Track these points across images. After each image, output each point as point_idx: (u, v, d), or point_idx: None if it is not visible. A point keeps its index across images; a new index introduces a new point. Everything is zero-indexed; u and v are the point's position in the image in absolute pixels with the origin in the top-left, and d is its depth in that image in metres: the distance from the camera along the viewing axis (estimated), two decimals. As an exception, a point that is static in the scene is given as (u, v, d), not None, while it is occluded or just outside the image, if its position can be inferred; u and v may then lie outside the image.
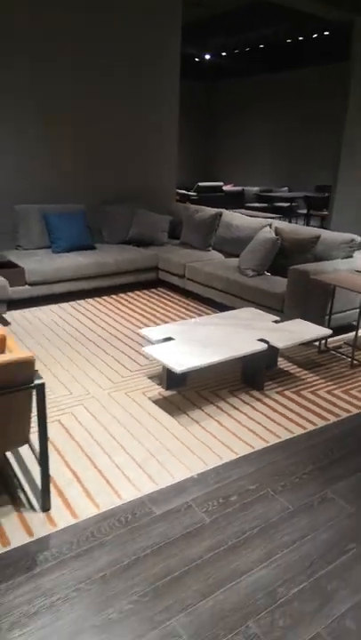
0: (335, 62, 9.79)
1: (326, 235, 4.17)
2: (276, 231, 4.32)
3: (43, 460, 1.90)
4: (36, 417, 2.04)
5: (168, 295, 4.93)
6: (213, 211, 5.07)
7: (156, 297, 4.87)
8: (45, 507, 1.95)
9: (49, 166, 5.11)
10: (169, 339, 2.92)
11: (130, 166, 5.68)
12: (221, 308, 4.48)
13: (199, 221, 5.09)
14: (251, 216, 5.52)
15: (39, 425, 1.85)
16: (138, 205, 5.53)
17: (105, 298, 4.80)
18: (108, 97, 5.28)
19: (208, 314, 4.36)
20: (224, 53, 9.48)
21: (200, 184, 9.82)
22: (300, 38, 8.27)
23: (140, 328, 3.96)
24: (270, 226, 4.52)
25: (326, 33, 8.11)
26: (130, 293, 4.97)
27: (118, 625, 1.52)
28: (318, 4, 6.32)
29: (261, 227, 4.67)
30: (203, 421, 2.64)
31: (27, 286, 4.31)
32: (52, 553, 1.78)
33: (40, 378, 1.80)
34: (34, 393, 1.89)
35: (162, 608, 1.58)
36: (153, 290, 5.10)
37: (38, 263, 4.37)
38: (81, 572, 1.70)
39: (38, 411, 1.83)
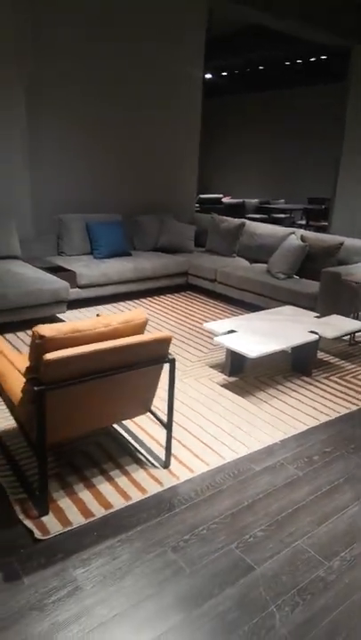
0: (331, 82, 10.48)
1: (347, 242, 4.67)
2: (302, 238, 4.81)
3: (169, 424, 2.28)
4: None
5: (198, 297, 5.35)
6: (238, 221, 5.54)
7: (188, 299, 5.28)
8: (167, 464, 2.33)
9: (88, 180, 5.51)
10: (231, 331, 3.33)
11: (157, 180, 6.11)
12: (253, 308, 4.91)
13: (225, 230, 5.55)
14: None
15: (169, 394, 2.23)
16: (165, 216, 5.96)
17: (142, 300, 5.19)
18: (139, 118, 5.72)
19: (241, 313, 4.79)
20: (225, 73, 10.06)
21: (201, 196, 10.32)
22: (299, 61, 8.89)
23: (185, 326, 4.36)
24: (295, 233, 5.00)
25: (324, 57, 8.76)
26: (163, 296, 5.37)
27: (257, 546, 1.91)
28: (322, 34, 6.93)
29: (284, 235, 5.14)
30: (270, 401, 3.05)
31: (77, 289, 4.67)
32: (184, 497, 2.15)
33: (171, 354, 2.19)
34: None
35: (287, 534, 1.98)
36: (183, 293, 5.51)
37: (86, 268, 4.73)
38: (212, 510, 2.09)
39: (170, 382, 2.21)
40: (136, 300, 5.15)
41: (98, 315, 2.70)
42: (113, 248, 5.21)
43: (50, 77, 4.99)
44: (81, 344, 1.94)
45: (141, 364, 2.08)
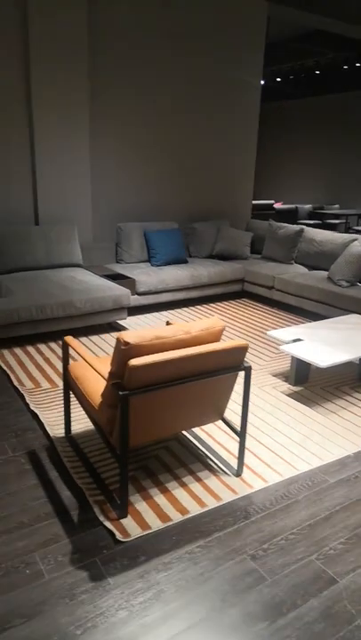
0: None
1: None
2: (364, 246, 4.70)
3: (242, 432, 2.28)
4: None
5: (255, 305, 5.33)
6: (296, 227, 5.48)
7: (245, 306, 5.26)
8: (239, 472, 2.33)
9: (145, 188, 5.63)
10: (297, 340, 3.30)
11: (213, 188, 6.16)
12: (312, 316, 4.85)
13: (283, 237, 5.51)
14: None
15: (243, 402, 2.24)
16: (221, 223, 5.99)
17: (198, 307, 5.22)
18: (195, 126, 5.79)
19: (300, 321, 4.73)
20: (279, 79, 10.02)
21: (253, 202, 10.29)
22: (358, 64, 8.73)
23: (244, 333, 4.35)
24: (358, 240, 4.90)
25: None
26: (219, 303, 5.38)
27: (338, 558, 1.88)
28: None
29: (346, 242, 5.04)
30: (338, 412, 2.99)
31: (136, 296, 4.77)
32: (259, 507, 2.15)
33: (246, 362, 2.20)
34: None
35: (368, 548, 1.94)
36: (239, 300, 5.51)
37: (145, 275, 4.82)
38: (289, 520, 2.07)
39: (245, 390, 2.22)
40: (192, 307, 5.19)
41: (168, 322, 2.74)
42: (170, 256, 5.29)
43: (108, 92, 5.14)
44: (162, 351, 1.98)
45: (220, 371, 2.10)
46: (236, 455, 2.50)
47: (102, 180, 5.35)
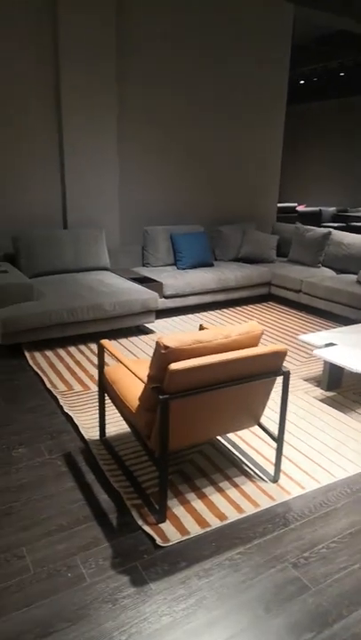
0: None
1: None
2: (395, 248, 4.62)
3: (279, 437, 2.26)
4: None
5: (281, 308, 5.29)
6: (324, 230, 5.42)
7: (271, 310, 5.23)
8: (276, 478, 2.31)
9: (171, 192, 5.65)
10: (330, 344, 3.26)
11: (239, 191, 6.14)
12: (341, 320, 4.78)
13: (310, 240, 5.46)
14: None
15: (281, 407, 2.22)
16: (246, 226, 5.96)
17: (225, 310, 5.20)
18: (222, 130, 5.79)
19: (330, 325, 4.67)
20: (302, 82, 9.95)
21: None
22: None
23: (272, 337, 4.32)
24: (387, 244, 4.83)
25: None
26: (245, 306, 5.35)
27: (382, 569, 1.85)
28: None
29: (375, 245, 4.97)
30: (373, 417, 2.95)
31: (162, 299, 4.78)
32: (298, 514, 2.12)
33: (285, 367, 2.18)
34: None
35: None
36: (265, 303, 5.47)
37: (172, 278, 4.83)
38: (329, 528, 2.04)
39: (283, 395, 2.20)
40: (218, 310, 5.17)
41: (201, 326, 2.74)
42: (196, 259, 5.28)
43: (135, 96, 5.18)
44: (202, 355, 1.98)
45: (258, 376, 2.08)
46: (271, 461, 2.48)
47: (129, 183, 5.38)
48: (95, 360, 3.73)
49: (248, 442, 2.65)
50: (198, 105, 5.57)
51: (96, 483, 2.30)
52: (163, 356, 1.91)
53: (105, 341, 2.45)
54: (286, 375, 2.15)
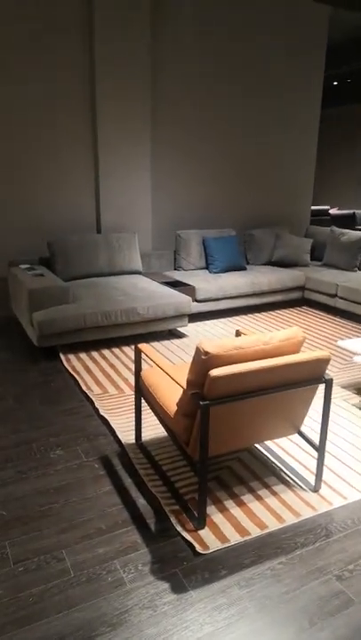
0: None
1: None
2: None
3: (321, 446, 2.21)
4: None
5: (316, 313, 5.20)
6: (360, 233, 5.31)
7: (306, 314, 5.15)
8: (316, 487, 2.25)
9: (203, 195, 5.65)
10: (369, 350, 3.18)
11: (272, 194, 6.09)
12: (377, 325, 4.67)
13: (346, 243, 5.35)
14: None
15: (323, 415, 2.17)
16: (279, 229, 5.90)
17: (257, 314, 5.15)
18: (254, 133, 5.76)
19: (365, 331, 4.57)
20: (335, 83, 9.81)
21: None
22: None
23: (308, 342, 4.25)
24: None
25: None
26: (278, 311, 5.29)
27: None
28: None
29: None
30: None
31: (195, 303, 4.77)
32: (340, 525, 2.06)
33: (327, 375, 2.13)
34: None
35: None
36: (299, 308, 5.39)
37: (204, 282, 4.82)
38: (374, 542, 1.98)
39: (325, 403, 2.15)
40: (251, 315, 5.13)
41: (238, 331, 2.71)
42: (228, 263, 5.25)
43: (169, 101, 5.20)
44: (242, 361, 1.95)
45: (300, 383, 2.04)
46: (311, 469, 2.43)
47: (161, 187, 5.40)
48: (129, 364, 3.75)
49: (286, 450, 2.61)
50: (231, 109, 5.55)
51: (133, 487, 2.30)
52: (203, 361, 1.90)
53: (143, 345, 2.46)
54: (329, 383, 2.10)
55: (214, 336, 4.43)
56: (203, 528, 2.02)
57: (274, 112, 5.83)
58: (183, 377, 2.33)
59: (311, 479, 2.35)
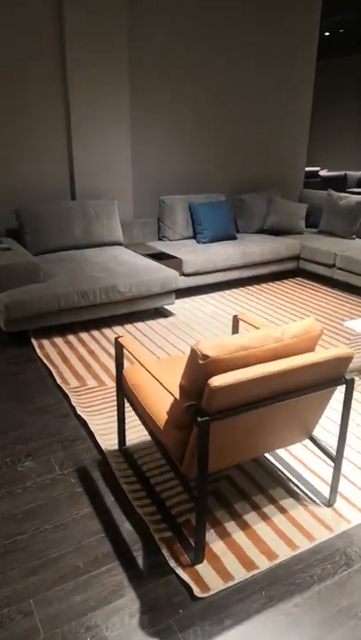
0: None
1: None
2: None
3: (338, 456, 1.87)
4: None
5: (312, 285, 4.82)
6: (359, 198, 4.89)
7: (301, 287, 4.77)
8: (331, 501, 1.93)
9: (188, 156, 5.12)
10: (380, 331, 2.83)
11: (263, 154, 5.58)
12: (379, 298, 4.33)
13: (344, 208, 4.93)
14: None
15: (342, 420, 1.82)
16: (272, 193, 5.43)
17: (249, 288, 4.76)
18: (243, 88, 5.19)
19: (367, 304, 4.22)
20: (327, 33, 9.11)
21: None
22: None
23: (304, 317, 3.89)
24: None
25: None
26: (271, 283, 4.90)
27: None
28: None
29: None
30: None
31: (182, 277, 4.35)
32: (363, 550, 1.76)
33: (348, 374, 1.77)
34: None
35: None
36: (294, 280, 5.01)
37: (192, 254, 4.38)
38: None
39: (344, 406, 1.79)
40: (243, 288, 4.73)
41: (236, 317, 2.32)
42: (218, 231, 4.80)
43: (151, 53, 4.60)
44: (248, 364, 1.57)
45: (317, 386, 1.68)
46: (324, 478, 2.10)
47: (142, 149, 4.86)
48: (110, 349, 3.35)
49: (294, 454, 2.26)
50: (219, 63, 4.96)
51: (116, 507, 1.95)
52: (200, 367, 1.51)
53: (124, 339, 2.05)
54: (350, 383, 1.75)
55: (207, 315, 4.04)
56: (201, 562, 1.69)
57: (266, 66, 5.25)
58: (174, 376, 1.95)
59: (324, 490, 2.02)
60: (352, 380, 1.75)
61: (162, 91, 4.77)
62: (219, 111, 5.15)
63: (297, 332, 1.65)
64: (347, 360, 1.67)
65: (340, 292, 4.60)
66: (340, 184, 9.38)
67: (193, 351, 1.53)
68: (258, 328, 2.18)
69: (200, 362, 1.50)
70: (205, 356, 1.50)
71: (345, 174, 9.16)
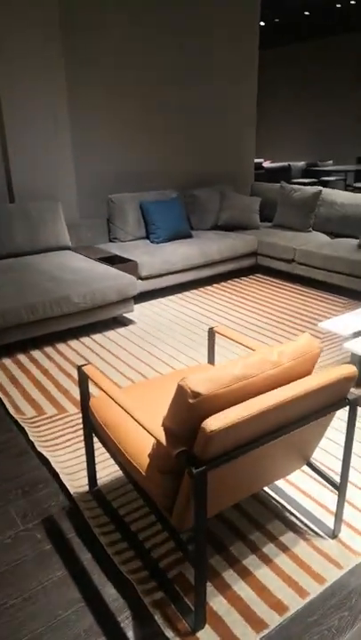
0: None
1: None
2: None
3: (342, 483, 1.68)
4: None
5: (272, 281, 4.68)
6: (313, 189, 4.78)
7: (261, 283, 4.61)
8: (336, 532, 1.75)
9: (136, 150, 4.81)
10: (359, 332, 2.69)
11: (212, 147, 5.37)
12: (345, 292, 4.24)
13: (298, 201, 4.81)
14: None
15: (346, 444, 1.63)
16: (224, 187, 5.24)
17: (208, 288, 4.55)
18: (190, 81, 4.94)
19: (331, 299, 4.12)
20: (262, 23, 9.02)
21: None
22: (353, 2, 7.83)
23: (268, 317, 3.73)
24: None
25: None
26: (230, 281, 4.71)
27: None
28: None
29: (373, 203, 4.40)
30: None
31: (139, 281, 4.06)
32: (377, 588, 1.58)
33: (352, 394, 1.57)
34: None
35: None
36: (252, 277, 4.85)
37: (147, 255, 4.10)
38: None
39: (348, 430, 1.60)
40: (202, 289, 4.51)
41: (212, 329, 2.09)
42: (172, 230, 4.55)
43: (89, 44, 4.24)
44: (246, 396, 1.34)
45: (319, 412, 1.47)
46: (324, 504, 1.90)
47: (86, 145, 4.50)
48: (68, 368, 3.02)
49: (292, 481, 2.05)
50: (164, 54, 4.67)
51: (95, 566, 1.66)
52: (191, 407, 1.26)
53: (88, 368, 1.76)
54: (353, 404, 1.56)
55: (169, 320, 3.78)
56: (202, 628, 1.45)
57: (211, 56, 5.02)
58: (149, 406, 1.69)
59: (326, 519, 1.83)
60: (356, 400, 1.56)
61: (102, 85, 4.43)
62: (165, 106, 4.87)
63: (295, 354, 1.43)
64: (350, 380, 1.48)
65: (302, 286, 4.49)
66: (284, 175, 9.38)
67: (180, 388, 1.27)
68: (236, 341, 1.95)
69: (190, 401, 1.25)
70: (196, 394, 1.25)
71: (289, 165, 9.16)
